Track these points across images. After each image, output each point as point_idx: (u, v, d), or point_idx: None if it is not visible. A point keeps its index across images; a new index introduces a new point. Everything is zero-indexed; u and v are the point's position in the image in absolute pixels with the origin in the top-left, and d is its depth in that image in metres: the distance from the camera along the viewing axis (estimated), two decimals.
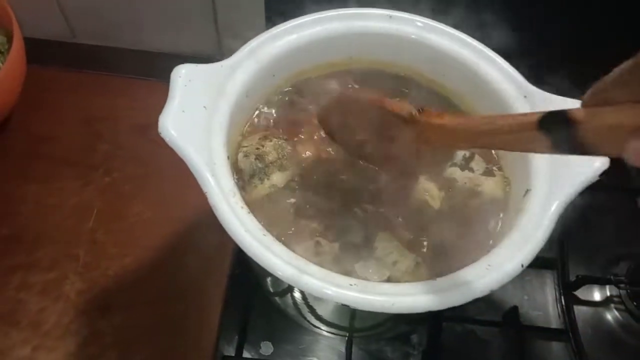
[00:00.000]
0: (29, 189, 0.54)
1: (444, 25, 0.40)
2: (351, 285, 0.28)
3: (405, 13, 0.40)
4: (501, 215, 0.37)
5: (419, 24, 0.40)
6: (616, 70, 0.19)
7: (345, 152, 0.38)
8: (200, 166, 0.31)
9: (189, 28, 0.62)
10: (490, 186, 0.38)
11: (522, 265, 0.30)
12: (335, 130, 0.37)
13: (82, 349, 0.45)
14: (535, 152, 0.26)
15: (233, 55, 0.37)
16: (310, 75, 0.43)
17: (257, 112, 0.41)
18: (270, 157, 0.38)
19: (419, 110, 0.30)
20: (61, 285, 0.49)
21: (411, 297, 0.28)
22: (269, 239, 0.30)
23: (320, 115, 0.38)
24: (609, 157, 0.22)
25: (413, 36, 0.40)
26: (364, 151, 0.36)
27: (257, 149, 0.38)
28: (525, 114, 0.25)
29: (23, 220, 0.52)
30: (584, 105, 0.21)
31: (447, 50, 0.40)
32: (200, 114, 0.33)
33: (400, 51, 0.41)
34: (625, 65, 0.19)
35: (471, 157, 0.40)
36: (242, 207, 0.31)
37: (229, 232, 0.30)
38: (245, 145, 0.38)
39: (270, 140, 0.39)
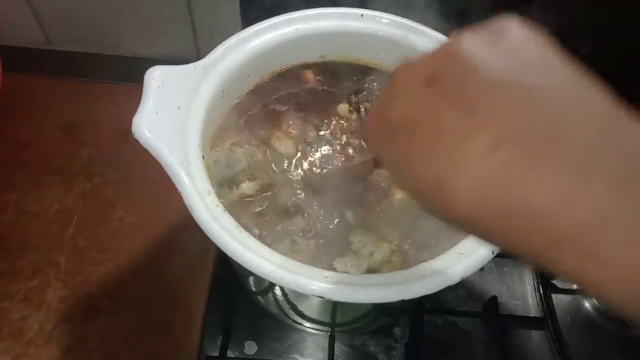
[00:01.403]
0: (9, 197, 0.54)
1: (412, 21, 0.41)
2: (326, 277, 0.29)
3: (376, 11, 0.41)
4: None
5: (386, 21, 0.41)
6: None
7: None
8: (174, 166, 0.31)
9: (167, 32, 0.62)
10: None
11: (493, 252, 0.30)
12: None
13: (65, 355, 0.45)
14: None
15: (207, 56, 0.38)
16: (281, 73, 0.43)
17: (230, 113, 0.41)
18: (241, 165, 0.38)
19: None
20: (43, 292, 0.48)
21: (384, 287, 0.29)
22: (245, 236, 0.30)
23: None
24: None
25: (381, 33, 0.41)
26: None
27: (228, 155, 0.38)
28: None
29: (5, 228, 0.52)
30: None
31: (418, 48, 0.40)
32: (175, 114, 0.34)
33: (372, 49, 0.42)
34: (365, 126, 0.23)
35: None
36: (217, 206, 0.31)
37: (205, 230, 0.30)
38: (217, 150, 0.39)
39: (242, 147, 0.39)
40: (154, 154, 0.31)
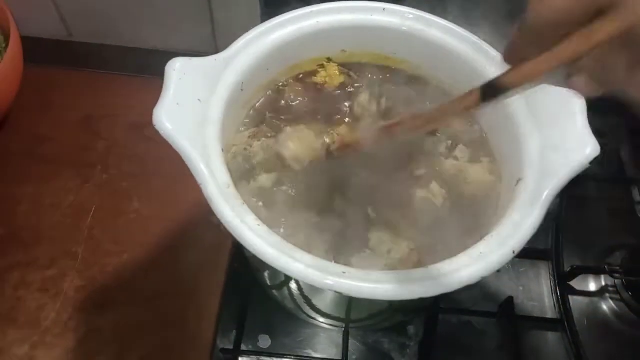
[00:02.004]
0: (26, 189, 0.54)
1: (437, 17, 0.40)
2: (344, 273, 0.29)
3: (399, 5, 0.41)
4: (495, 205, 0.37)
5: (410, 16, 0.40)
6: (513, 37, 0.23)
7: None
8: (194, 158, 0.31)
9: (185, 25, 0.62)
10: (477, 172, 0.38)
11: (513, 252, 0.30)
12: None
13: (81, 345, 0.46)
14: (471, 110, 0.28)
15: (227, 49, 0.37)
16: (305, 68, 0.43)
17: (250, 106, 0.41)
18: (258, 158, 0.37)
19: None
20: (60, 282, 0.49)
21: (403, 284, 0.28)
22: (264, 230, 0.30)
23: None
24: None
25: (404, 28, 0.40)
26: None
27: (245, 149, 0.38)
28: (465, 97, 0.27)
29: (21, 219, 0.52)
30: (509, 70, 0.24)
31: (440, 42, 0.40)
32: (195, 106, 0.34)
33: (393, 43, 0.42)
34: (519, 29, 0.22)
35: (454, 146, 0.40)
36: (236, 199, 0.31)
37: (224, 223, 0.30)
38: (235, 144, 0.39)
39: (259, 140, 0.39)
40: (174, 146, 0.31)
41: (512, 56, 0.23)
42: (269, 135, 0.40)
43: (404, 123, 0.31)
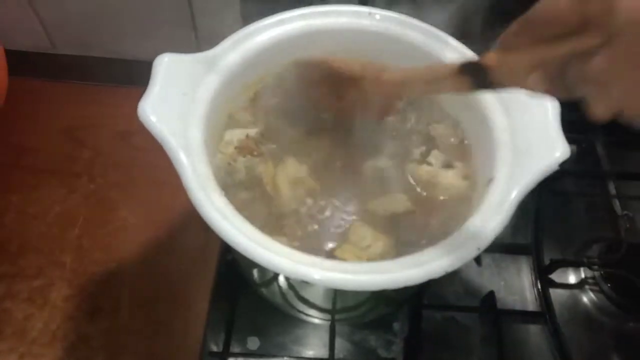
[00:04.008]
0: (10, 200, 0.54)
1: (423, 22, 0.41)
2: (314, 263, 0.29)
3: (385, 10, 0.42)
4: (468, 207, 0.38)
5: (396, 20, 0.41)
6: (514, 24, 0.25)
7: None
8: (176, 150, 0.32)
9: (168, 36, 0.63)
10: (450, 177, 0.39)
11: (478, 250, 0.31)
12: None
13: (69, 354, 0.46)
14: (463, 92, 0.31)
15: (216, 47, 0.38)
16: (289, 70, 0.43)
17: (236, 107, 0.42)
18: (240, 176, 0.38)
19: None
20: (47, 292, 0.49)
21: (368, 275, 0.29)
22: (241, 221, 0.31)
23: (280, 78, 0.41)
24: (516, 89, 0.27)
25: (391, 32, 0.41)
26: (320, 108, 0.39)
27: (229, 164, 0.38)
28: (448, 64, 0.31)
29: (6, 230, 0.52)
30: (495, 51, 0.27)
31: (422, 46, 0.41)
32: (180, 101, 0.34)
33: (380, 48, 0.42)
34: (520, 19, 0.24)
35: (428, 152, 0.41)
36: (215, 191, 0.32)
37: (202, 215, 0.30)
38: (222, 151, 0.39)
39: (244, 156, 0.39)
40: (157, 137, 0.32)
41: (505, 40, 0.26)
42: (255, 154, 0.40)
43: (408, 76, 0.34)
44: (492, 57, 0.27)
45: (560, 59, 0.23)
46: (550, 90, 0.25)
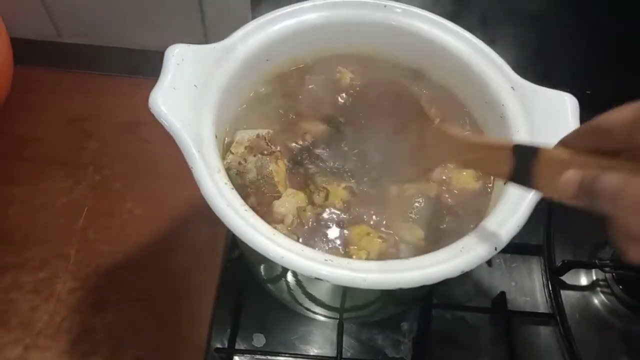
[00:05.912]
0: (16, 190, 0.54)
1: (438, 16, 0.40)
2: (326, 260, 0.29)
3: (400, 3, 0.41)
4: (482, 204, 0.37)
5: (412, 14, 0.41)
6: (579, 127, 0.25)
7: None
8: (186, 141, 0.31)
9: (176, 26, 0.62)
10: (466, 177, 0.38)
11: (495, 250, 0.30)
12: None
13: (74, 346, 0.46)
14: (499, 171, 0.30)
15: (227, 38, 0.38)
16: (305, 61, 0.43)
17: (248, 100, 0.41)
18: (250, 176, 0.37)
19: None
20: (52, 284, 0.49)
21: (381, 274, 0.29)
22: (250, 214, 0.30)
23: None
24: (546, 195, 0.27)
25: (405, 26, 0.41)
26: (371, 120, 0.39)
27: (240, 163, 0.37)
28: (505, 141, 0.31)
29: (11, 221, 0.52)
30: (554, 146, 0.26)
31: (438, 41, 0.40)
32: (191, 92, 0.34)
33: (393, 41, 0.42)
34: (584, 125, 0.25)
35: None
36: (225, 183, 0.31)
37: (212, 206, 0.30)
38: (232, 151, 0.38)
39: (254, 156, 0.38)
40: (167, 129, 0.32)
41: (566, 140, 0.26)
42: (265, 152, 0.39)
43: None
44: (548, 148, 0.26)
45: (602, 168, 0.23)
46: (578, 196, 0.24)
